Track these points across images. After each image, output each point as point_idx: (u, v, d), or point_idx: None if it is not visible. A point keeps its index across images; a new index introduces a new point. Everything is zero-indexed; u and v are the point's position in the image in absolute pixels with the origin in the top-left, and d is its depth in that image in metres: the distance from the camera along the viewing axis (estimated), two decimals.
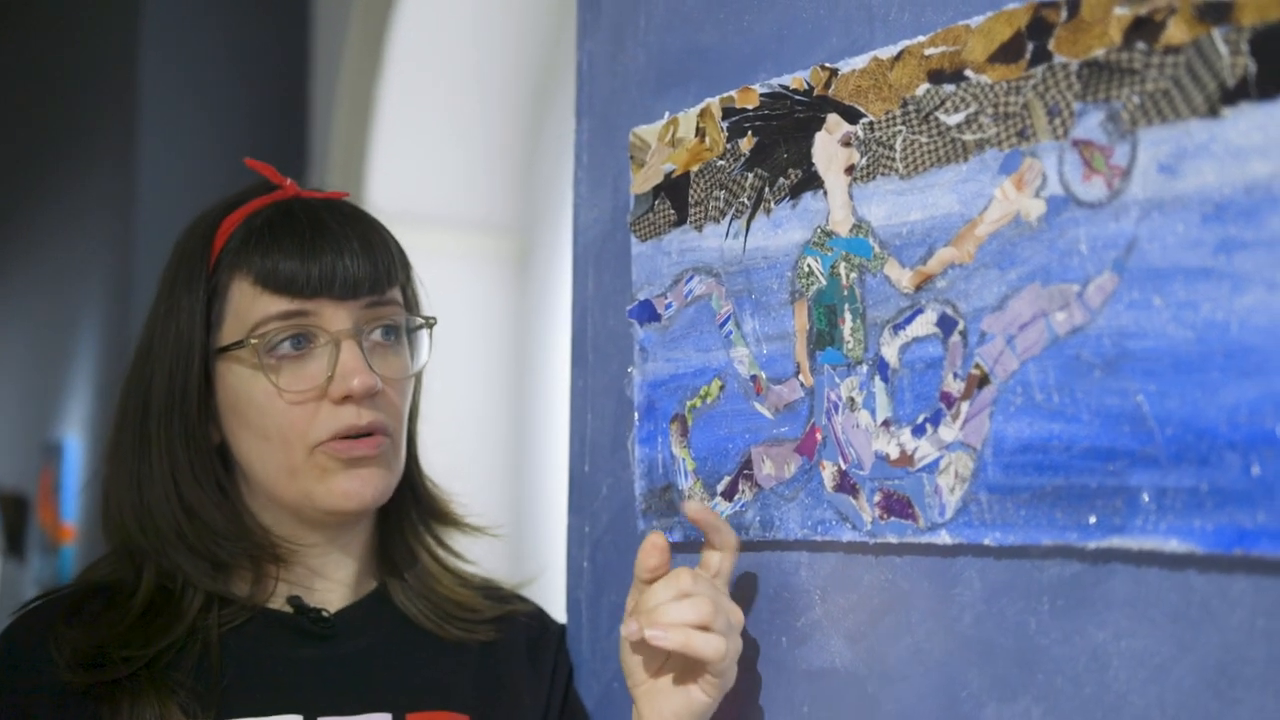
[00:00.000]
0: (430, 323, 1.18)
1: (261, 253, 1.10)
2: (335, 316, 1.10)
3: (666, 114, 1.14)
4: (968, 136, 0.89)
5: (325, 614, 1.14)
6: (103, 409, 4.06)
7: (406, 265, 1.19)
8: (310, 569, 1.16)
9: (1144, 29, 0.78)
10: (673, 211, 1.12)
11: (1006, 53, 0.86)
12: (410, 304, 1.19)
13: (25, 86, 5.40)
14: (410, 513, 1.21)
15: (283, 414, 1.10)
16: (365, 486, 1.11)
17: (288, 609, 1.14)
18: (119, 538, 1.14)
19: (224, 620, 1.11)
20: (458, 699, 1.15)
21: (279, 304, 1.09)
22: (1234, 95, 0.73)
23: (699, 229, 1.10)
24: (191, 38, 3.86)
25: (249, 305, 1.10)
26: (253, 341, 1.09)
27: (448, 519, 1.24)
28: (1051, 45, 0.83)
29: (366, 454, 1.11)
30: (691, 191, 1.10)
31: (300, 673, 1.11)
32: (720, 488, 1.07)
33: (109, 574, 1.14)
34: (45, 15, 5.12)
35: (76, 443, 4.35)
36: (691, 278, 1.10)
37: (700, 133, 1.10)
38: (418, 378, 1.20)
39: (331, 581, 1.17)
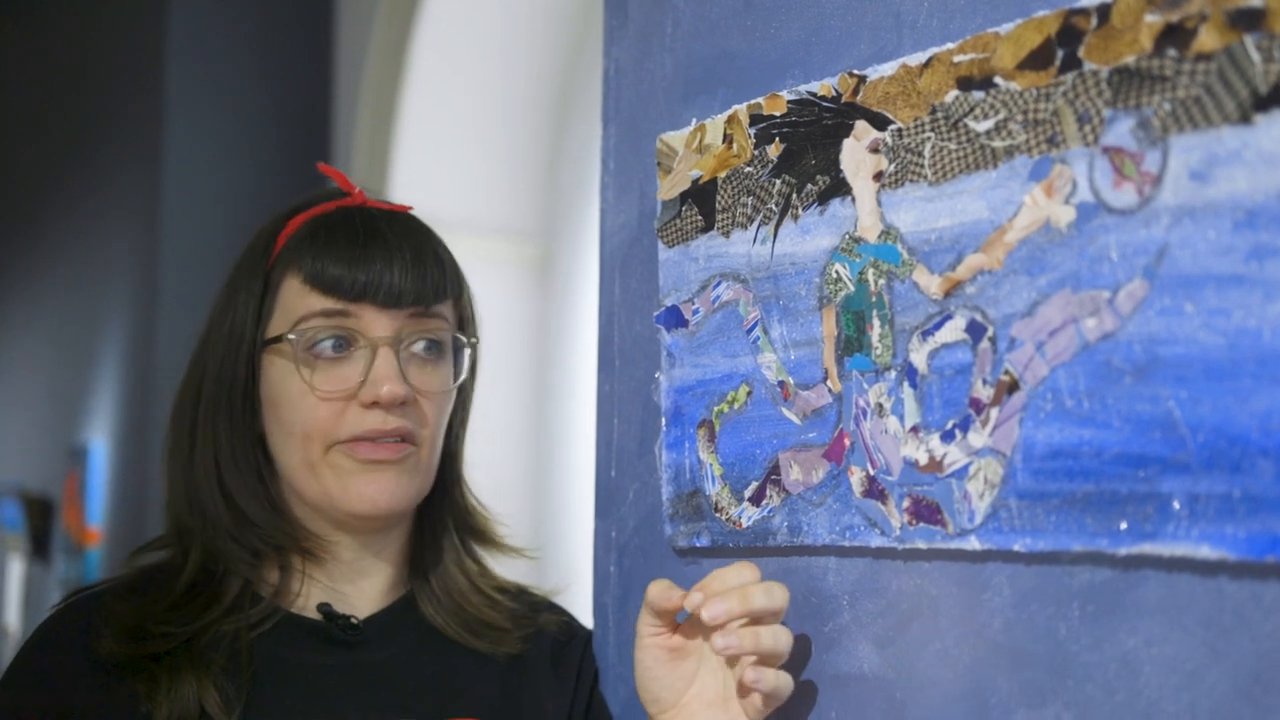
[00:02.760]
0: (470, 342, 1.19)
1: (314, 253, 1.13)
2: (376, 323, 1.12)
3: (694, 120, 1.14)
4: (997, 143, 0.89)
5: (354, 621, 1.15)
6: (128, 413, 4.07)
7: (460, 283, 1.20)
8: (342, 571, 1.17)
9: (1175, 36, 0.78)
10: (700, 217, 1.13)
11: (1036, 59, 0.86)
12: (462, 321, 1.20)
13: (51, 92, 5.43)
14: (448, 526, 1.22)
15: (310, 410, 1.11)
16: (381, 492, 1.12)
17: (317, 616, 1.15)
18: (172, 518, 1.18)
19: (254, 622, 1.12)
20: (482, 706, 1.15)
21: (322, 302, 1.12)
22: (1266, 102, 0.73)
23: (726, 235, 1.10)
24: (216, 44, 3.88)
25: (295, 301, 1.13)
26: (292, 336, 1.12)
27: (484, 537, 1.25)
28: (1082, 52, 0.83)
29: (386, 458, 1.12)
30: (719, 198, 1.11)
31: (327, 679, 1.12)
32: (748, 493, 1.08)
33: (161, 557, 1.17)
34: (72, 20, 5.16)
35: (101, 447, 4.37)
36: (719, 283, 1.11)
37: (728, 139, 1.10)
38: (466, 396, 1.21)
39: (363, 585, 1.18)
